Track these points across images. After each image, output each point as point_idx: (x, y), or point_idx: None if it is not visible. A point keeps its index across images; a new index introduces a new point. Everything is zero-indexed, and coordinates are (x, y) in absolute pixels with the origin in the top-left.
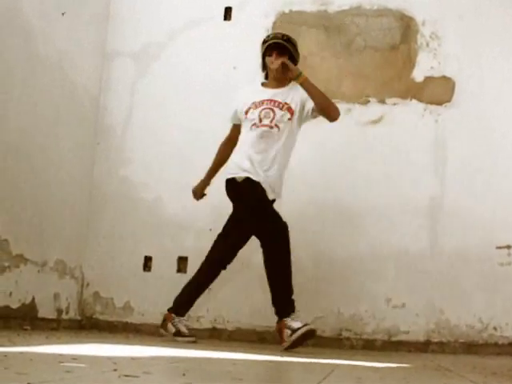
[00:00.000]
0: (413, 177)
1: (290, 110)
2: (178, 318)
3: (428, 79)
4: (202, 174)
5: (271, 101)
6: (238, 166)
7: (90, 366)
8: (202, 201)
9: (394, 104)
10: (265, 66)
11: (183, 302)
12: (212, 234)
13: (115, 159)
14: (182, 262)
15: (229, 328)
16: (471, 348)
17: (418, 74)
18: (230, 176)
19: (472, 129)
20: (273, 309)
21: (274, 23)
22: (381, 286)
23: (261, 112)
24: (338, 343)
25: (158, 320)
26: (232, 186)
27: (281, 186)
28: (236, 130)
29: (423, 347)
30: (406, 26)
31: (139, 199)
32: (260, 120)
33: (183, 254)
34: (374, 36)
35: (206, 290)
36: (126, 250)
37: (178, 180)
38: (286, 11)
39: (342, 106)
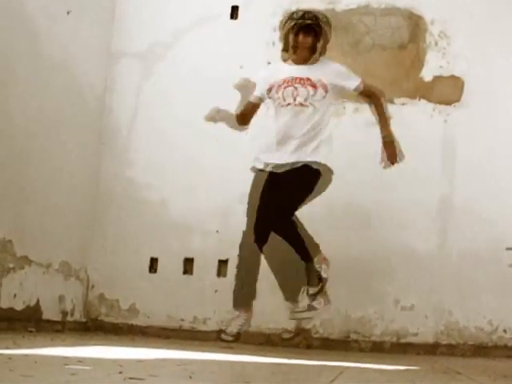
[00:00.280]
0: (422, 177)
1: (314, 86)
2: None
3: (437, 79)
4: (208, 175)
5: (297, 78)
6: (274, 150)
7: (95, 369)
8: (208, 202)
9: (403, 104)
10: (287, 42)
11: None
12: (219, 235)
13: (121, 160)
14: (189, 264)
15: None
16: (481, 350)
17: (427, 74)
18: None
19: (481, 129)
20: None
21: (281, 22)
22: (389, 287)
23: (289, 90)
24: (345, 345)
25: (165, 322)
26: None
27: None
28: (251, 107)
29: (432, 349)
30: (415, 25)
31: (145, 200)
32: (288, 99)
33: (189, 256)
34: (382, 35)
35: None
36: (131, 252)
37: (184, 181)
38: (293, 10)
39: (349, 106)
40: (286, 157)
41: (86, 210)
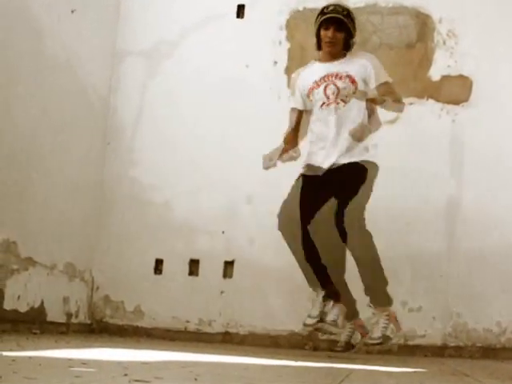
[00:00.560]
0: (429, 177)
1: (353, 81)
2: None
3: (445, 78)
4: (213, 176)
5: (332, 75)
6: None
7: (100, 371)
8: (213, 202)
9: (411, 104)
10: (319, 36)
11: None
12: (225, 236)
13: (125, 160)
14: (194, 265)
15: (241, 332)
16: (489, 352)
17: (435, 73)
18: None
19: (490, 129)
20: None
21: (288, 21)
22: (396, 288)
23: (325, 89)
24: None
25: (170, 324)
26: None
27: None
28: (296, 116)
29: (440, 351)
30: (423, 24)
31: (150, 201)
32: (328, 97)
33: (195, 257)
34: (389, 34)
35: None
36: (136, 253)
37: (190, 181)
38: (300, 9)
39: None
40: (335, 157)
41: (91, 211)
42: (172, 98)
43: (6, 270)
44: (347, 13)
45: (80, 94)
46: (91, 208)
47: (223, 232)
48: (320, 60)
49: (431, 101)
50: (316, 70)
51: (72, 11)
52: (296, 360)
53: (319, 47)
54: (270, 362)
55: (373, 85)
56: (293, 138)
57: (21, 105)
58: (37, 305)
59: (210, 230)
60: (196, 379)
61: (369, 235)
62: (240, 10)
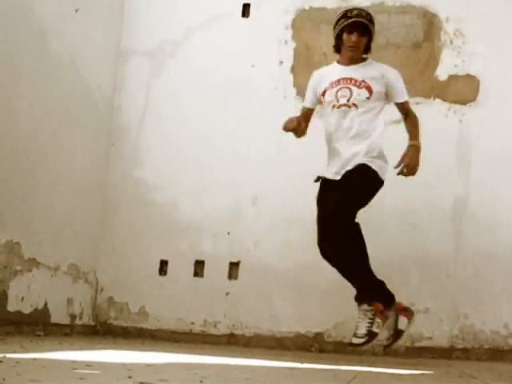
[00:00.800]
0: (436, 178)
1: (368, 88)
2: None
3: (452, 78)
4: (219, 176)
5: (348, 79)
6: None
7: (104, 373)
8: (219, 203)
9: (417, 103)
10: (339, 39)
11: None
12: (230, 237)
13: (130, 160)
14: (199, 266)
15: (247, 334)
16: (496, 354)
17: (442, 73)
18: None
19: (497, 129)
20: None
21: (294, 20)
22: (403, 289)
23: (338, 91)
24: (359, 349)
25: (175, 326)
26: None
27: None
28: (306, 114)
29: (447, 353)
30: (429, 23)
31: (154, 201)
32: (337, 100)
33: (200, 258)
34: (396, 33)
35: None
36: (141, 254)
37: (195, 181)
38: (306, 8)
39: None
40: (343, 160)
41: (95, 212)
42: (177, 98)
43: (9, 271)
44: (370, 17)
45: (84, 94)
46: (95, 209)
47: (228, 233)
48: (339, 62)
49: (438, 100)
50: (334, 71)
51: (76, 11)
52: (302, 362)
53: (338, 50)
54: (275, 363)
55: (400, 98)
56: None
57: (24, 105)
58: (40, 306)
59: (215, 231)
60: (201, 381)
61: (351, 229)
62: (245, 10)
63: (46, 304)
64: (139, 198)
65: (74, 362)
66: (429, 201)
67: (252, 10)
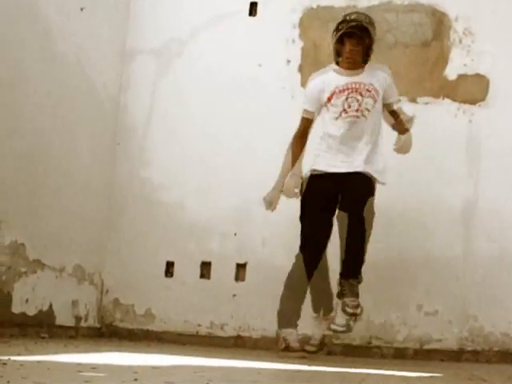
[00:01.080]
0: (446, 179)
1: (373, 96)
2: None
3: (461, 77)
4: (225, 176)
5: (355, 87)
6: (332, 160)
7: (110, 376)
8: (225, 203)
9: (426, 103)
10: (341, 43)
11: None
12: (237, 238)
13: (136, 160)
14: (206, 268)
15: (254, 336)
16: (506, 357)
17: (451, 72)
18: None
19: (507, 129)
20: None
21: (301, 19)
22: (412, 291)
23: (346, 99)
24: (367, 352)
25: (181, 328)
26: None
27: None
28: (308, 123)
29: (456, 356)
30: (438, 22)
31: (161, 202)
32: (348, 107)
33: (207, 259)
34: (404, 32)
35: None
36: (147, 255)
37: (202, 182)
38: (314, 6)
39: None
40: (347, 166)
41: (101, 212)
42: (183, 97)
43: (14, 272)
44: (369, 20)
45: (90, 93)
46: (101, 209)
47: (235, 234)
48: (341, 67)
49: (447, 100)
50: (336, 78)
51: (81, 9)
52: (310, 364)
53: (339, 54)
54: (283, 366)
55: (393, 99)
56: (300, 147)
57: (30, 104)
58: (45, 308)
59: (222, 232)
60: None
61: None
62: (252, 8)
63: (50, 306)
64: (145, 198)
65: (79, 364)
66: (438, 201)
67: (259, 8)
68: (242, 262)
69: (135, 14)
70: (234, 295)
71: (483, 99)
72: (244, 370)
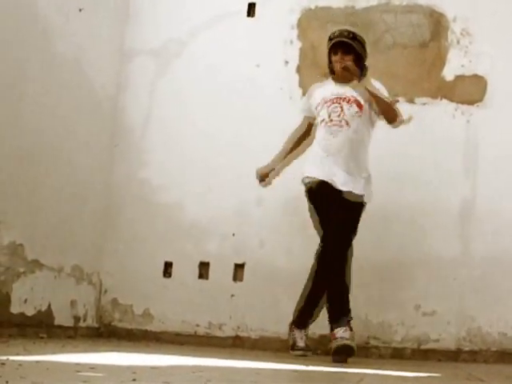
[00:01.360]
0: (443, 179)
1: (359, 104)
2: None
3: (459, 78)
4: (223, 177)
5: (339, 97)
6: (315, 169)
7: (108, 376)
8: (224, 204)
9: (424, 104)
10: (330, 62)
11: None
12: (235, 238)
13: (134, 161)
14: (204, 268)
15: (253, 336)
16: (504, 357)
17: (449, 73)
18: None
19: (505, 129)
20: None
21: (299, 19)
22: (410, 292)
23: (329, 108)
24: (365, 352)
25: (179, 328)
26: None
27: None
28: (308, 122)
29: (454, 356)
30: (436, 23)
31: (159, 202)
32: (329, 116)
33: (205, 260)
34: (402, 33)
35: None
36: (145, 256)
37: (200, 182)
38: (312, 7)
39: None
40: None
41: (99, 213)
42: (182, 98)
43: (12, 272)
44: (353, 36)
45: (88, 94)
46: (99, 210)
47: (233, 234)
48: (334, 80)
49: (445, 101)
50: (328, 88)
51: (80, 10)
52: (307, 365)
53: (332, 71)
54: (281, 366)
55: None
56: (297, 140)
57: (29, 105)
58: (44, 308)
59: (221, 232)
60: None
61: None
62: (251, 9)
63: (49, 306)
64: (143, 199)
65: (77, 364)
66: (435, 202)
67: (257, 9)
68: (240, 262)
69: (134, 15)
70: (232, 295)
71: (481, 100)
72: (242, 369)
